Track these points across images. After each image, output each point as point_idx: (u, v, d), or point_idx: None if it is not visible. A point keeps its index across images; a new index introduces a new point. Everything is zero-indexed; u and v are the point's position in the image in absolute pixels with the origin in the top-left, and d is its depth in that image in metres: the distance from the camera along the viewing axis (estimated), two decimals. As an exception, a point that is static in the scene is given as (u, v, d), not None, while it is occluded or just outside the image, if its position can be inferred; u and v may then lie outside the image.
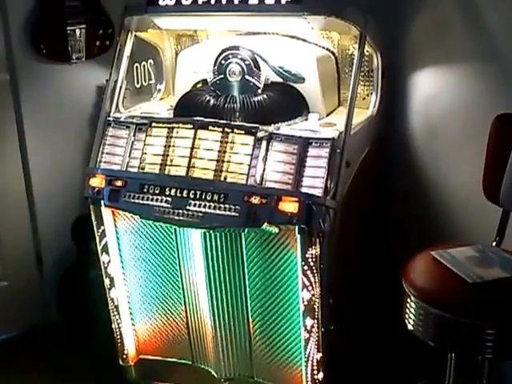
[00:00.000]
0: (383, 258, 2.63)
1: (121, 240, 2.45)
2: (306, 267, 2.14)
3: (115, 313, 2.54)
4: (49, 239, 3.04)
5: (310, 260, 2.13)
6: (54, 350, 2.94)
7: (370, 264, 2.64)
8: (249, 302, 2.33)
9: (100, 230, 2.42)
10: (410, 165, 2.69)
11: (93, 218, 2.42)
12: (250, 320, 2.37)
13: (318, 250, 2.12)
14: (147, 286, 2.49)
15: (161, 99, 2.77)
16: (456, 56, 2.48)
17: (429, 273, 2.01)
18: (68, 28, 2.80)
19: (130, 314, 2.57)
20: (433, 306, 1.89)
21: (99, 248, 2.46)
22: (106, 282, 2.50)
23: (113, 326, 2.56)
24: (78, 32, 2.83)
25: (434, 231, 2.61)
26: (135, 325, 2.58)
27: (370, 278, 2.62)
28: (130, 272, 2.50)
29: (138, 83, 2.66)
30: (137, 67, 2.64)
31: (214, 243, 2.26)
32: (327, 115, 2.42)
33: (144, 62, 2.68)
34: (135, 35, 2.50)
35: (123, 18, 2.44)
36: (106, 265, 2.47)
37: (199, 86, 2.52)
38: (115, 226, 2.43)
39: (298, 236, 2.12)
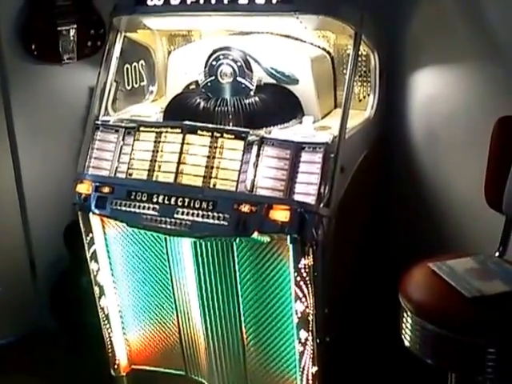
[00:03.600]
0: (382, 266, 2.55)
1: (110, 248, 2.39)
2: (298, 278, 2.06)
3: (106, 322, 2.48)
4: (41, 244, 2.97)
5: (302, 270, 2.05)
6: (46, 358, 2.88)
7: (368, 273, 2.54)
8: (242, 311, 2.26)
9: (88, 238, 2.36)
10: (410, 169, 2.60)
11: (81, 225, 2.35)
12: (244, 330, 2.29)
13: (312, 260, 2.04)
14: (138, 294, 2.43)
15: (153, 101, 2.71)
16: (457, 55, 2.39)
17: (426, 286, 1.91)
18: (59, 28, 2.73)
19: (122, 323, 2.50)
20: (429, 322, 1.79)
21: (88, 256, 2.39)
22: (96, 290, 2.44)
23: (104, 335, 2.49)
24: (69, 32, 2.76)
25: (434, 239, 2.52)
26: (127, 334, 2.52)
27: (368, 287, 2.53)
28: (120, 280, 2.43)
29: (128, 85, 2.60)
30: (127, 68, 2.58)
31: (204, 252, 2.19)
32: (322, 118, 2.36)
33: (135, 63, 2.62)
34: (125, 36, 2.44)
35: (112, 18, 2.38)
36: (95, 273, 2.41)
37: (192, 87, 2.44)
38: (104, 233, 2.37)
39: (290, 246, 2.04)
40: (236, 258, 2.17)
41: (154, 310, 2.42)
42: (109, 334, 2.49)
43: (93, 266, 2.40)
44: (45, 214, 2.92)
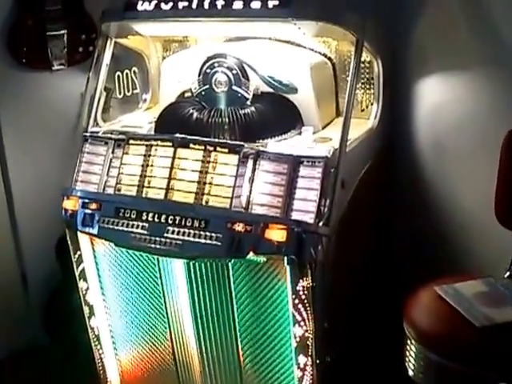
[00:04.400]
0: (385, 284, 2.42)
1: (100, 266, 2.28)
2: (297, 301, 1.95)
3: (96, 343, 2.38)
4: (33, 258, 2.86)
5: (301, 293, 1.93)
6: (39, 374, 2.79)
7: (371, 291, 2.42)
8: (238, 334, 2.15)
9: (76, 255, 2.26)
10: (415, 181, 2.48)
11: (69, 242, 2.25)
12: (240, 353, 2.18)
13: (310, 281, 1.92)
14: (130, 314, 2.32)
15: (147, 109, 2.60)
16: (465, 62, 2.27)
17: (431, 312, 1.79)
18: (48, 33, 2.62)
19: (113, 343, 2.40)
20: (435, 353, 1.67)
21: (76, 274, 2.29)
22: (85, 310, 2.34)
23: (94, 356, 2.39)
24: (59, 38, 2.64)
25: (441, 255, 2.40)
26: (118, 355, 2.42)
27: (371, 307, 2.40)
28: (111, 299, 2.33)
29: (120, 93, 2.49)
30: (119, 76, 2.46)
31: (198, 272, 2.08)
32: (323, 128, 2.24)
33: (127, 71, 2.50)
34: (116, 42, 2.33)
35: (100, 23, 2.27)
36: (84, 292, 2.31)
37: (188, 94, 2.32)
38: (93, 250, 2.26)
39: (288, 267, 1.92)
40: (232, 278, 2.06)
41: (146, 330, 2.31)
42: (100, 354, 2.40)
43: (82, 284, 2.30)
44: (36, 227, 2.81)
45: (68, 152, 2.64)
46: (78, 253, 2.24)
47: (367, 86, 2.31)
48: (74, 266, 2.27)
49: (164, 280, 2.16)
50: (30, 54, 2.64)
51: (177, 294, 2.15)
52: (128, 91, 2.52)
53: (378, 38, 2.14)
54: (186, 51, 2.52)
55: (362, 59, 2.16)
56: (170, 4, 2.07)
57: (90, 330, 2.36)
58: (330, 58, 2.33)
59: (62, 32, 2.64)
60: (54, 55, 2.65)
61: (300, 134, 2.13)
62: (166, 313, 2.22)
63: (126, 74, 2.49)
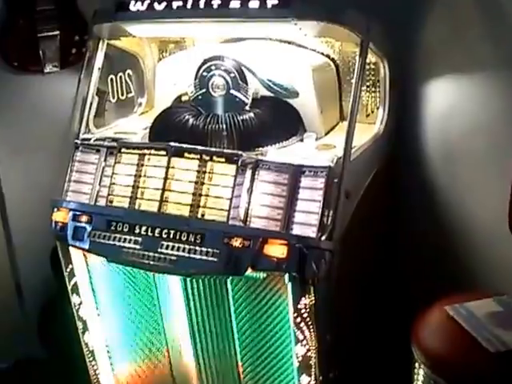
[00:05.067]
0: (392, 300, 2.31)
1: (94, 280, 2.18)
2: (298, 319, 1.84)
3: (91, 358, 2.29)
4: (28, 267, 2.78)
5: (303, 311, 1.83)
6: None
7: (377, 308, 2.30)
8: (238, 352, 2.05)
9: (68, 269, 2.16)
10: (424, 190, 2.35)
11: (60, 255, 2.15)
12: (241, 371, 2.08)
13: (313, 298, 1.82)
14: (126, 329, 2.22)
15: (143, 113, 2.49)
16: (477, 64, 2.14)
17: (441, 335, 1.66)
18: (40, 35, 2.54)
19: (109, 358, 2.30)
20: (444, 378, 1.55)
21: (69, 288, 2.19)
22: (79, 325, 2.25)
23: (89, 372, 2.30)
24: (51, 39, 2.56)
25: (451, 269, 2.27)
26: (115, 370, 2.32)
27: (377, 324, 2.29)
28: (106, 314, 2.23)
29: (113, 97, 2.37)
30: (112, 79, 2.35)
31: (195, 288, 1.98)
32: (326, 133, 2.12)
33: (121, 74, 2.39)
34: (108, 44, 2.22)
35: (92, 25, 2.16)
36: (77, 307, 2.22)
37: (185, 98, 2.21)
38: (87, 263, 2.16)
39: (289, 284, 1.82)
40: (230, 294, 1.96)
41: (143, 346, 2.21)
42: (95, 370, 2.30)
43: (74, 299, 2.20)
44: (30, 236, 2.70)
45: (62, 159, 2.56)
46: (70, 266, 2.15)
47: (373, 89, 2.19)
48: (66, 281, 2.18)
49: (160, 295, 2.07)
50: (22, 56, 2.56)
51: (173, 310, 2.05)
52: (122, 95, 2.41)
53: (383, 38, 2.01)
54: (181, 53, 2.41)
55: (368, 61, 2.04)
56: (164, 4, 1.96)
57: (83, 346, 2.27)
58: (333, 60, 2.22)
59: (55, 33, 2.56)
60: (46, 57, 2.57)
61: (302, 140, 2.03)
62: (163, 329, 2.13)
63: (120, 76, 2.38)
